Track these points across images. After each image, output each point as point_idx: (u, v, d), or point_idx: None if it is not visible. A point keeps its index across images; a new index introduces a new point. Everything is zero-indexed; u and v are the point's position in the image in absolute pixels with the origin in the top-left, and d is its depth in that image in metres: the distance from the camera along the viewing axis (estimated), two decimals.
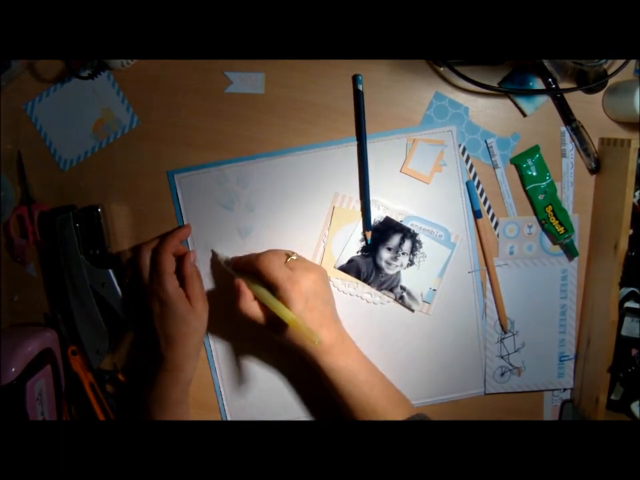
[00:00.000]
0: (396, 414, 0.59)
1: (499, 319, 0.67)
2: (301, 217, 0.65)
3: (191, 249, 0.65)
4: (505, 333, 0.67)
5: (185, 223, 0.65)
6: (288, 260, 0.59)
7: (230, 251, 0.65)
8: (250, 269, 0.59)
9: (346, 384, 0.58)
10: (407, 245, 0.65)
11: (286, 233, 0.65)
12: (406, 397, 0.62)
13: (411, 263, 0.65)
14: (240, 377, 0.68)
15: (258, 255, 0.59)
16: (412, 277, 0.66)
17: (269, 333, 0.58)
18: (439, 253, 0.65)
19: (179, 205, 0.65)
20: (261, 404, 0.68)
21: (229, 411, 0.68)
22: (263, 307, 0.57)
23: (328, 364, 0.58)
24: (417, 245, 0.65)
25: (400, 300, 0.66)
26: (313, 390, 0.67)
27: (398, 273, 0.65)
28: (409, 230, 0.65)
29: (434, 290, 0.66)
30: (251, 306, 0.57)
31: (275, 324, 0.57)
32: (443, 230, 0.65)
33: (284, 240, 0.65)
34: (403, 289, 0.66)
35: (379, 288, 0.66)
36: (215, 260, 0.65)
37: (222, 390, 0.68)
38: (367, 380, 0.59)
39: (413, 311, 0.66)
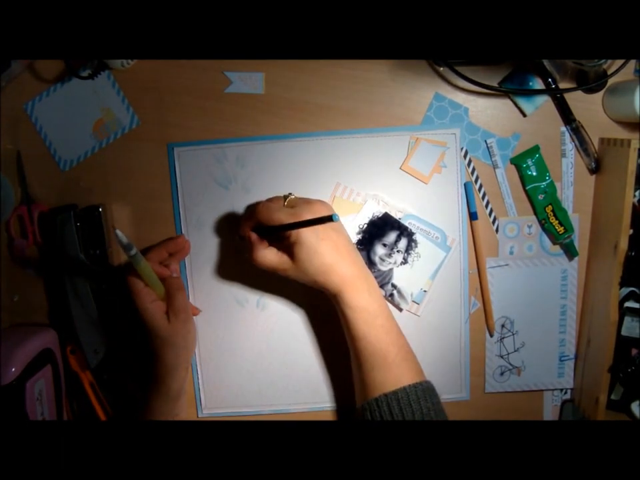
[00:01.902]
0: (404, 367, 0.57)
1: (486, 321, 0.67)
2: None
3: (182, 226, 0.65)
4: (491, 336, 0.67)
5: (179, 199, 0.64)
6: (286, 201, 0.58)
7: (223, 231, 0.65)
8: (253, 222, 0.58)
9: (362, 324, 0.57)
10: (403, 243, 0.65)
11: None
12: (415, 357, 0.60)
13: (405, 261, 0.65)
14: (217, 361, 0.67)
15: (256, 206, 0.58)
16: (404, 276, 0.65)
17: (290, 275, 0.58)
18: (433, 255, 0.65)
19: (176, 179, 0.64)
20: (236, 387, 0.68)
21: (203, 392, 0.68)
22: (279, 251, 0.57)
23: (348, 300, 0.57)
24: (413, 244, 0.65)
25: (389, 297, 0.66)
26: (291, 375, 0.68)
27: (390, 270, 0.65)
28: (406, 228, 0.65)
29: (424, 291, 0.66)
30: (265, 254, 0.57)
31: (295, 266, 0.56)
32: (439, 232, 0.65)
33: None
34: (393, 286, 0.66)
35: None
36: (206, 238, 0.65)
37: (199, 374, 0.68)
38: (383, 325, 0.58)
39: (401, 310, 0.66)
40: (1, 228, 0.65)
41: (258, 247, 0.57)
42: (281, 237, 0.57)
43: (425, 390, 0.56)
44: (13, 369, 0.58)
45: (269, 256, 0.57)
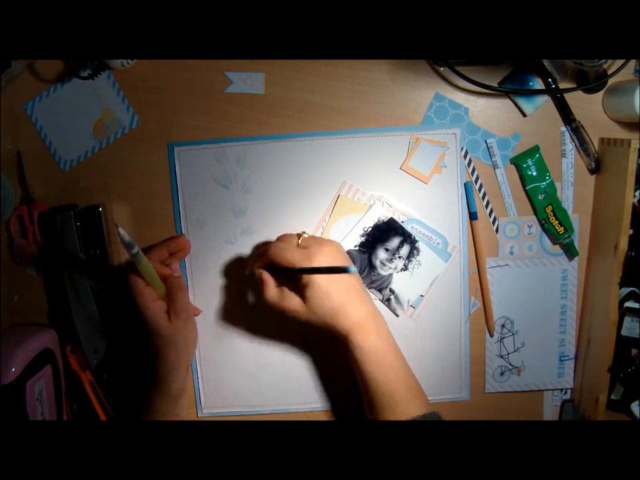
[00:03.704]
0: (412, 405, 0.57)
1: (486, 321, 0.67)
2: (298, 202, 0.65)
3: (182, 226, 0.65)
4: (491, 336, 0.67)
5: (179, 199, 0.64)
6: (300, 240, 0.58)
7: (222, 229, 0.65)
8: (264, 262, 0.58)
9: (370, 365, 0.57)
10: (405, 249, 0.65)
11: (281, 217, 0.65)
12: (423, 391, 0.60)
13: (405, 268, 0.65)
14: (217, 361, 0.68)
15: (268, 246, 0.58)
16: (403, 282, 0.66)
17: (300, 316, 0.57)
18: (434, 264, 0.65)
19: (176, 179, 0.64)
20: (236, 387, 0.68)
21: (203, 392, 0.68)
22: (290, 292, 0.57)
23: (357, 342, 0.57)
24: (415, 251, 0.65)
25: (386, 302, 0.66)
26: (291, 376, 0.68)
27: (390, 275, 0.65)
28: (410, 235, 0.65)
29: (421, 296, 0.66)
30: (276, 294, 0.57)
31: (305, 309, 0.56)
32: (441, 238, 0.65)
33: (279, 223, 0.65)
34: (391, 291, 0.66)
35: (369, 286, 0.66)
36: (206, 238, 0.65)
37: (199, 373, 0.68)
38: (392, 365, 0.58)
39: (397, 315, 0.66)
40: (1, 228, 0.65)
41: (269, 286, 0.57)
42: (292, 277, 0.57)
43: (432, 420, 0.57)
44: (13, 369, 0.58)
45: (280, 296, 0.57)
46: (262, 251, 0.58)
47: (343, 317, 0.56)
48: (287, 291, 0.57)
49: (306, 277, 0.55)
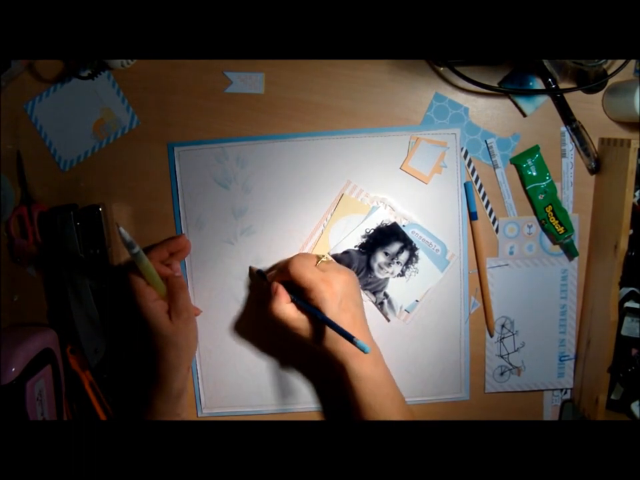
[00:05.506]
0: None
1: (486, 321, 0.67)
2: (298, 202, 0.65)
3: (182, 226, 0.65)
4: (491, 336, 0.67)
5: (180, 199, 0.64)
6: (319, 262, 0.60)
7: (222, 229, 0.65)
8: (282, 276, 0.59)
9: (368, 394, 0.59)
10: (404, 256, 0.65)
11: (281, 217, 0.65)
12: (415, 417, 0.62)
13: (402, 274, 0.65)
14: (217, 361, 0.68)
15: (288, 260, 0.59)
16: (398, 288, 0.66)
17: (301, 333, 0.59)
18: (430, 275, 0.65)
19: (176, 179, 0.64)
20: (236, 387, 0.68)
21: (203, 392, 0.68)
22: (299, 308, 0.58)
23: (355, 370, 0.58)
24: (414, 259, 0.65)
25: (379, 305, 0.66)
26: (290, 375, 0.68)
27: (386, 279, 0.66)
28: (410, 242, 0.65)
29: (417, 301, 0.66)
30: (284, 308, 0.58)
31: (309, 327, 0.58)
32: (440, 245, 0.65)
33: (279, 223, 0.65)
34: (385, 295, 0.66)
35: (363, 287, 0.66)
36: (206, 238, 0.65)
37: (199, 373, 0.68)
38: (388, 393, 0.60)
39: (388, 320, 0.66)
40: (1, 228, 0.65)
41: (280, 299, 0.58)
42: (304, 298, 0.58)
43: None
44: (13, 369, 0.58)
45: (287, 311, 0.58)
46: (283, 265, 0.60)
47: (342, 344, 0.57)
48: (295, 308, 0.58)
49: (317, 300, 0.56)
